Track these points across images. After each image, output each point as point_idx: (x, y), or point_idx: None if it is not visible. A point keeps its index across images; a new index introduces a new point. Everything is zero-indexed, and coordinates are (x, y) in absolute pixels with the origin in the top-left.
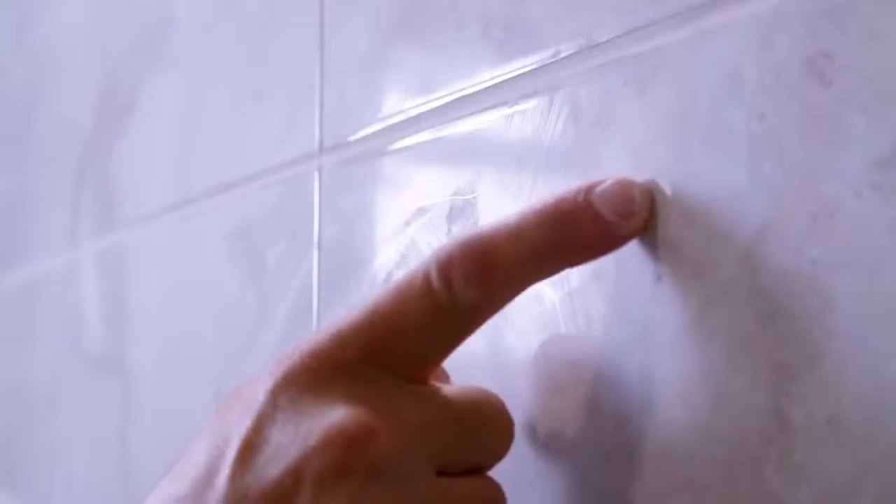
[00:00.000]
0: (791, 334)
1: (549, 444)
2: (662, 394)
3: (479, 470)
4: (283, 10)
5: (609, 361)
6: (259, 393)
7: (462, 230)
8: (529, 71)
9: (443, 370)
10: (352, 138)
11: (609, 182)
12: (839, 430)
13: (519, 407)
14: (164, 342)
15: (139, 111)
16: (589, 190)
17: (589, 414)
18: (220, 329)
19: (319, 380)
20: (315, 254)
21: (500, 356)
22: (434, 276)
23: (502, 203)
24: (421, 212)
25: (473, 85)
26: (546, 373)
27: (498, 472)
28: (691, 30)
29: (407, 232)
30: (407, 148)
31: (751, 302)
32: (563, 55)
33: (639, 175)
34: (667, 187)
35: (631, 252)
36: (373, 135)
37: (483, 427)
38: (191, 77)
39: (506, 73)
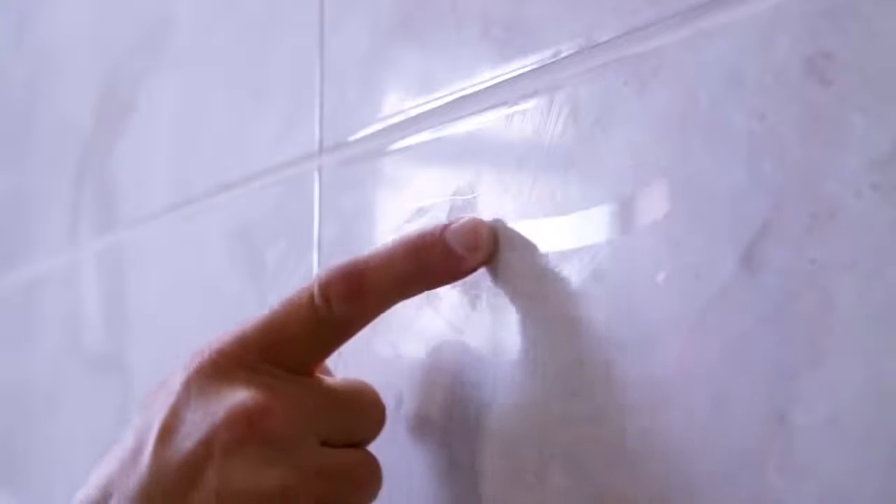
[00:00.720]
0: (791, 334)
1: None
2: (660, 393)
3: (358, 444)
4: (283, 10)
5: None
6: (175, 384)
7: None
8: (529, 71)
9: (325, 366)
10: (352, 138)
11: (461, 221)
12: (839, 430)
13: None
14: (164, 342)
15: (139, 111)
16: (445, 228)
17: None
18: (220, 329)
19: (225, 372)
20: (315, 254)
21: (502, 355)
22: (316, 293)
23: (502, 203)
24: (421, 212)
25: (473, 85)
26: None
27: (376, 448)
28: (691, 30)
29: (407, 232)
30: (407, 148)
31: (751, 302)
32: (563, 55)
33: (639, 175)
34: (665, 187)
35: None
36: (373, 135)
37: (358, 410)
38: (191, 77)
39: (506, 73)
